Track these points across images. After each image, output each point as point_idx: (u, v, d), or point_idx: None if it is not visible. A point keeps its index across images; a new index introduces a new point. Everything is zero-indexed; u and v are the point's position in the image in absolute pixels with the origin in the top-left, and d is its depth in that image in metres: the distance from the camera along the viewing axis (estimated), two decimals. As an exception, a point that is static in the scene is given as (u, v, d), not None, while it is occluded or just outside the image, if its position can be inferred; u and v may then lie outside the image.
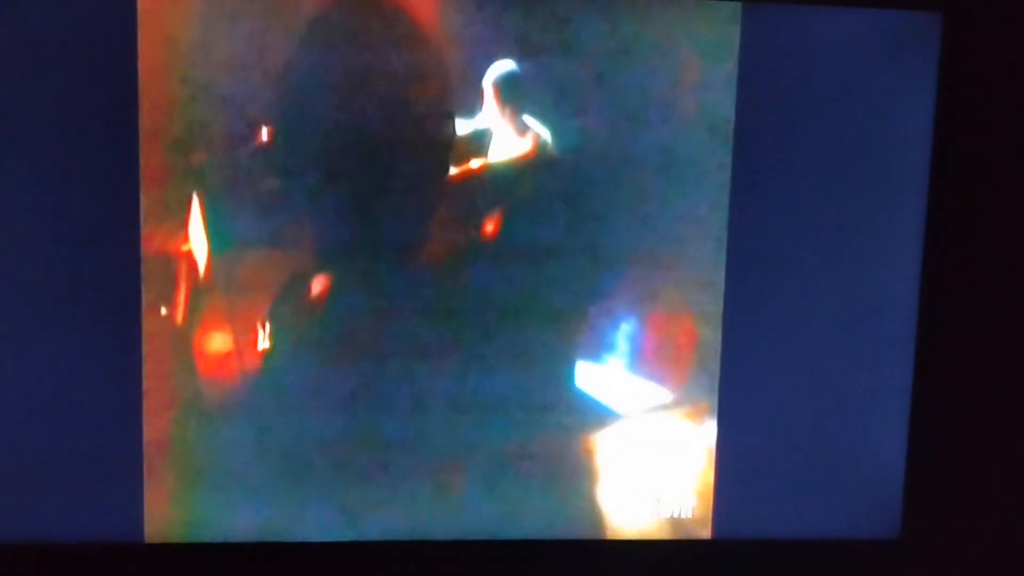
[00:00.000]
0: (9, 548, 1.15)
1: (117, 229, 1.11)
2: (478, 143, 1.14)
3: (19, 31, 1.08)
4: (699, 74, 1.16)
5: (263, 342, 1.14)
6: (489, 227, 1.16)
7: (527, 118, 1.14)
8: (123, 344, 1.13)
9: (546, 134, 1.15)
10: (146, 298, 1.12)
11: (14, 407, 1.13)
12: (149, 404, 1.14)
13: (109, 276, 1.12)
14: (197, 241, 1.12)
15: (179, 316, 1.13)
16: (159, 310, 1.13)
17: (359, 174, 1.13)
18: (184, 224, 1.12)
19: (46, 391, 1.13)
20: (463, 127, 1.14)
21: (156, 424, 1.15)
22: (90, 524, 1.16)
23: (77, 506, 1.15)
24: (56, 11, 1.08)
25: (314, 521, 1.19)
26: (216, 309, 1.13)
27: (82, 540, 1.16)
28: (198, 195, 1.11)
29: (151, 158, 1.10)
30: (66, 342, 1.12)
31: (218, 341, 1.14)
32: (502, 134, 1.14)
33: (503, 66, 1.13)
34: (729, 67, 1.16)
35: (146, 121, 1.09)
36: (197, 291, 1.13)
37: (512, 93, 1.14)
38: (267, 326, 1.14)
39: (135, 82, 1.09)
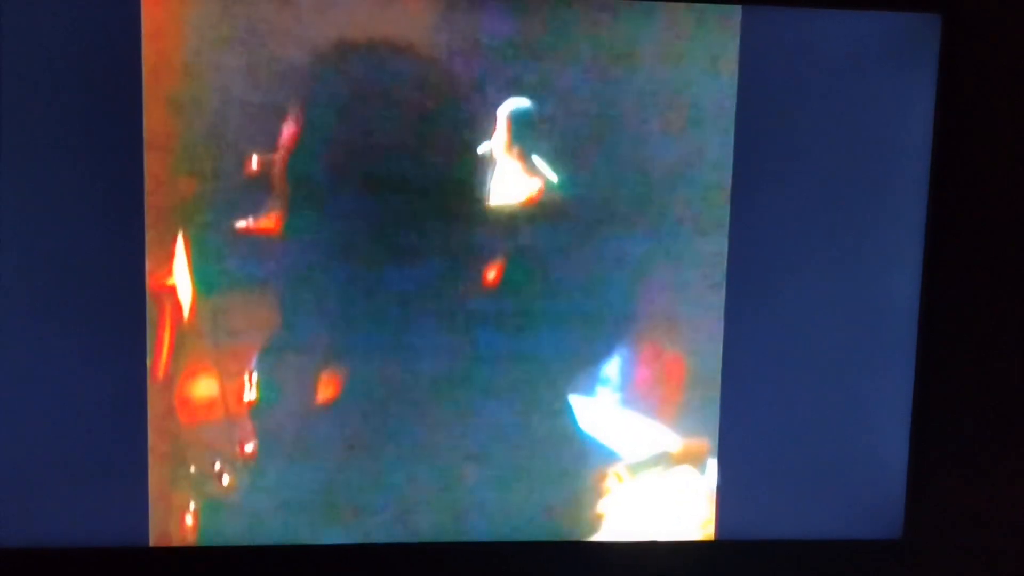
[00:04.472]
0: (14, 552, 1.15)
1: (122, 234, 1.12)
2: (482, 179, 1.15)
3: (26, 77, 1.09)
4: (699, 77, 1.16)
5: (265, 353, 1.15)
6: (493, 271, 1.17)
7: (535, 157, 1.15)
8: (128, 348, 1.13)
9: (550, 172, 1.15)
10: (152, 302, 1.13)
11: (19, 412, 1.13)
12: (154, 407, 1.15)
13: (115, 278, 1.12)
14: (199, 265, 1.13)
15: (185, 321, 1.13)
16: (165, 314, 1.13)
17: (365, 209, 1.14)
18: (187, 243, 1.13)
19: (51, 395, 1.13)
20: (470, 166, 1.15)
21: (161, 427, 1.15)
22: (94, 528, 1.16)
23: (81, 510, 1.15)
24: (62, 48, 1.09)
25: (318, 524, 1.19)
26: (222, 318, 1.14)
27: (86, 544, 1.16)
28: (192, 225, 1.12)
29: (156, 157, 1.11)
30: (72, 346, 1.13)
31: (223, 350, 1.15)
32: (507, 168, 1.15)
33: (516, 103, 1.14)
34: (729, 70, 1.16)
35: (150, 126, 1.11)
36: (204, 296, 1.14)
37: (521, 125, 1.14)
38: (269, 338, 1.15)
39: (139, 101, 1.10)
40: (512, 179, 1.15)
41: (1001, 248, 1.24)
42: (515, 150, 1.14)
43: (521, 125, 1.14)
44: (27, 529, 1.15)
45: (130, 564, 1.17)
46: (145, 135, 1.10)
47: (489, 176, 1.15)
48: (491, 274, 1.17)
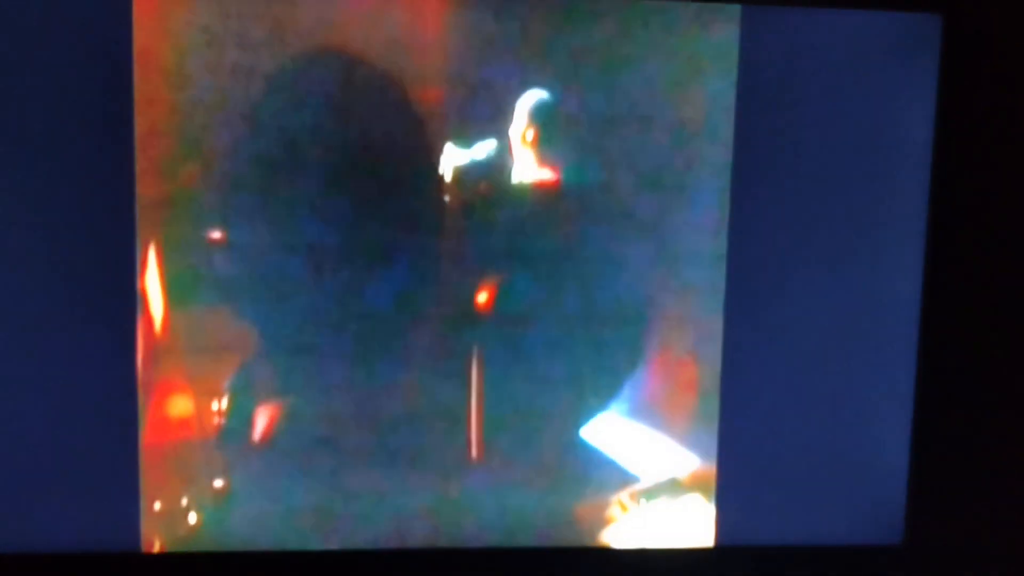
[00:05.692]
0: (5, 558, 1.14)
1: (112, 237, 1.11)
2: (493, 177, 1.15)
3: (16, 77, 1.08)
4: (698, 77, 1.15)
5: (258, 360, 1.15)
6: (496, 276, 1.17)
7: (547, 150, 1.15)
8: (119, 352, 1.12)
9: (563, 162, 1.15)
10: (141, 303, 1.12)
11: (9, 416, 1.12)
12: (145, 412, 1.14)
13: (105, 280, 1.11)
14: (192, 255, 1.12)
15: (174, 324, 1.13)
16: (155, 317, 1.12)
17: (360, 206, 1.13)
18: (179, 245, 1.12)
19: (42, 400, 1.13)
20: (468, 167, 1.14)
21: (153, 432, 1.14)
22: (86, 534, 1.15)
23: (73, 515, 1.15)
24: (53, 48, 1.08)
25: (310, 529, 1.18)
26: (212, 319, 1.13)
27: (78, 550, 1.15)
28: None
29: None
30: (62, 350, 1.12)
31: (213, 351, 1.14)
32: (521, 161, 1.15)
33: (536, 95, 1.13)
34: (728, 70, 1.16)
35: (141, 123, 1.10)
36: (193, 299, 1.13)
37: (541, 115, 1.14)
38: (260, 338, 1.15)
39: (130, 102, 1.09)
40: (525, 172, 1.14)
41: (1003, 250, 1.24)
42: (531, 141, 1.14)
43: (541, 115, 1.14)
44: (18, 534, 1.14)
45: (122, 570, 1.17)
46: (136, 134, 1.09)
47: (489, 177, 1.14)
48: (489, 277, 1.16)
